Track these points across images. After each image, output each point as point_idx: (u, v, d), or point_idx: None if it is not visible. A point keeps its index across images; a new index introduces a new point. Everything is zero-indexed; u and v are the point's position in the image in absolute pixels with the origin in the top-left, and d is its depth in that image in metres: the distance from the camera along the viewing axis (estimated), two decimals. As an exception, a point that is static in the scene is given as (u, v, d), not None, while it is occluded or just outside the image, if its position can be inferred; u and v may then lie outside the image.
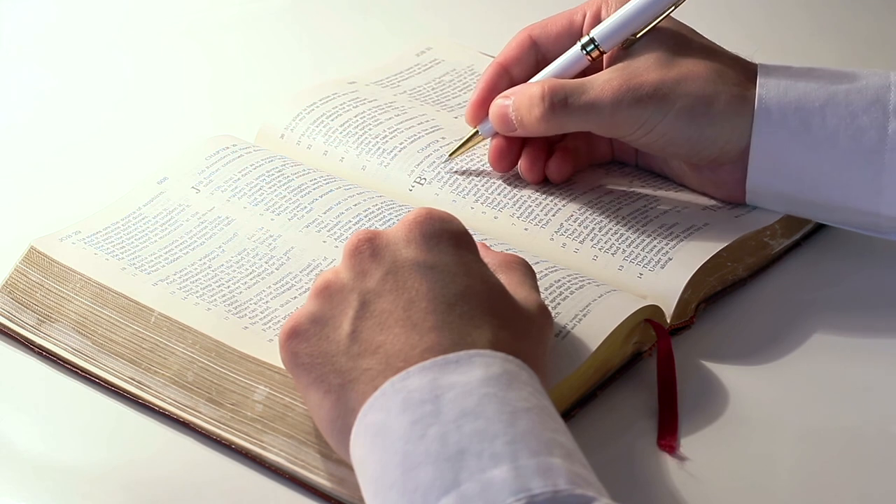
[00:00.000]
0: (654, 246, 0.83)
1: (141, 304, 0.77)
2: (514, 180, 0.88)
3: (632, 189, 0.88)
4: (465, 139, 0.89)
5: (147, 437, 0.74)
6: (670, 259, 0.82)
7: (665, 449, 0.74)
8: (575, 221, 0.85)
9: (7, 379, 0.78)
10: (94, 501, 0.71)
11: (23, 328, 0.79)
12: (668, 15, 0.85)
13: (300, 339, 0.68)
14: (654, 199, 0.87)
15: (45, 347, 0.78)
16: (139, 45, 1.11)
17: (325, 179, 0.87)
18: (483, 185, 0.88)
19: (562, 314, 0.76)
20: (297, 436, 0.71)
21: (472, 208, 0.87)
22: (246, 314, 0.77)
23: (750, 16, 0.89)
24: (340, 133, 0.93)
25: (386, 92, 0.97)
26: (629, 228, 0.84)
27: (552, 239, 0.85)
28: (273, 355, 0.72)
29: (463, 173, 0.88)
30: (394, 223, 0.80)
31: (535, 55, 0.88)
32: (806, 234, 0.88)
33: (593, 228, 0.85)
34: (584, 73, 0.86)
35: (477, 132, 0.88)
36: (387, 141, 0.91)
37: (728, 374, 0.79)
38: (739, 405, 0.77)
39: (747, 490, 0.72)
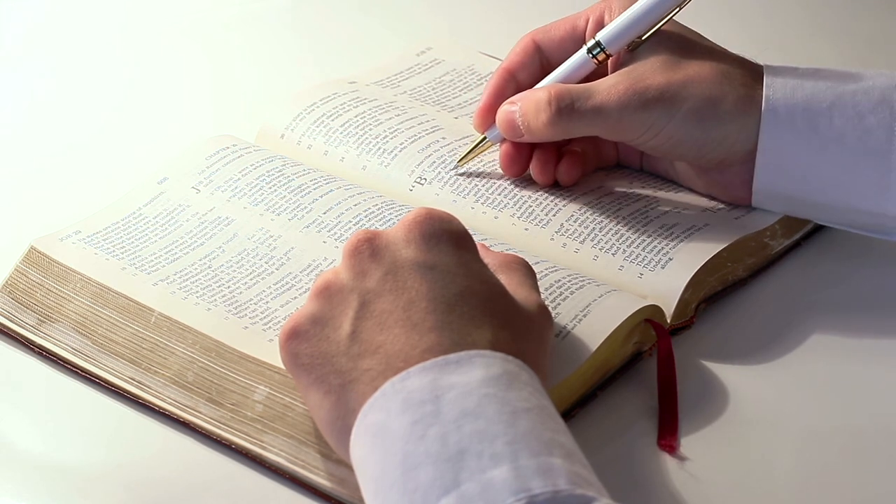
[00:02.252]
0: (655, 246, 0.83)
1: (141, 304, 0.77)
2: (515, 180, 0.88)
3: (632, 190, 0.88)
4: (473, 145, 0.89)
5: (147, 437, 0.74)
6: (671, 259, 0.82)
7: (665, 449, 0.74)
8: (575, 222, 0.85)
9: (7, 379, 0.78)
10: (94, 501, 0.71)
11: (23, 328, 0.79)
12: (672, 17, 0.85)
13: (300, 339, 0.68)
14: (655, 199, 0.87)
15: (45, 347, 0.78)
16: (140, 44, 1.11)
17: (325, 179, 0.87)
18: (483, 186, 0.88)
19: (562, 314, 0.76)
20: (297, 436, 0.71)
21: (473, 208, 0.87)
22: (246, 314, 0.77)
23: (750, 16, 0.89)
24: (341, 133, 0.93)
25: (386, 92, 0.97)
26: (629, 229, 0.84)
27: (552, 239, 0.85)
28: (273, 355, 0.72)
29: (471, 175, 0.88)
30: (394, 223, 0.80)
31: (539, 60, 0.89)
32: (806, 234, 0.88)
33: (594, 229, 0.85)
34: (589, 76, 0.87)
35: (485, 138, 0.89)
36: (387, 141, 0.91)
37: (728, 374, 0.79)
38: (739, 405, 0.77)
39: (747, 490, 0.72)
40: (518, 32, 0.91)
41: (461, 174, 0.88)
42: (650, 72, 0.84)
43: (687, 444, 0.74)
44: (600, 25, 0.87)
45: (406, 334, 0.66)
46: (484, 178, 0.88)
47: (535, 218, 0.86)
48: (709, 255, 0.82)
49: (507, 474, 0.59)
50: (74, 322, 0.78)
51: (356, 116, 0.93)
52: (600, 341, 0.75)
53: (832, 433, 0.76)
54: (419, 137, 0.92)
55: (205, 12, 1.15)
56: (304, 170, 0.87)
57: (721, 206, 0.87)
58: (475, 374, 0.63)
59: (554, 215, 0.86)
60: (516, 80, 0.89)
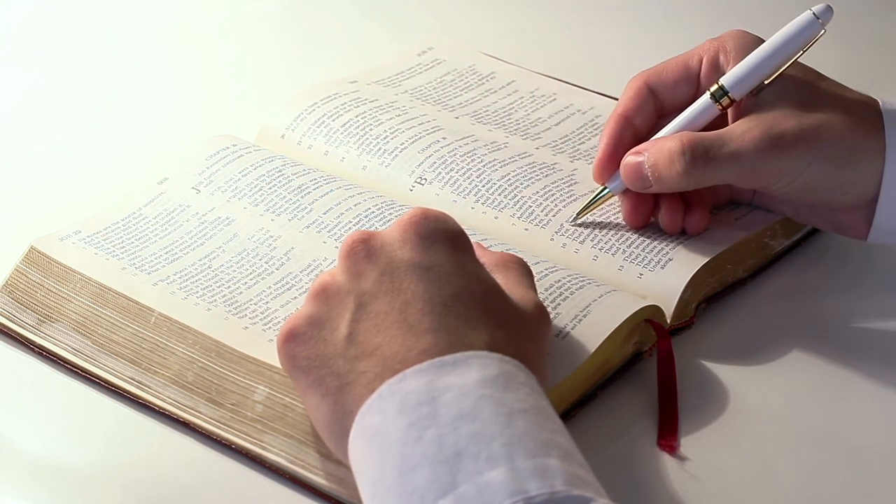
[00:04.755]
0: (655, 246, 0.83)
1: (141, 304, 0.77)
2: (515, 180, 0.88)
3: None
4: (593, 197, 0.85)
5: (147, 437, 0.74)
6: (670, 259, 0.82)
7: (665, 449, 0.74)
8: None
9: (7, 379, 0.78)
10: (93, 501, 0.71)
11: (23, 328, 0.79)
12: (796, 60, 0.83)
13: (298, 341, 0.68)
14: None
15: (45, 347, 0.78)
16: (141, 45, 1.11)
17: (325, 179, 0.87)
18: (483, 186, 0.88)
19: (562, 314, 0.76)
20: (297, 436, 0.71)
21: (473, 208, 0.87)
22: (246, 314, 0.77)
23: (750, 16, 0.89)
24: (341, 133, 0.93)
25: (387, 92, 0.97)
26: (629, 229, 0.84)
27: (552, 239, 0.85)
28: (273, 355, 0.72)
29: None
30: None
31: (653, 103, 0.86)
32: (806, 234, 0.88)
33: (594, 229, 0.85)
34: (711, 122, 0.84)
35: (605, 189, 0.85)
36: (388, 141, 0.91)
37: (728, 374, 0.79)
38: (739, 405, 0.77)
39: (747, 490, 0.72)
40: (518, 32, 0.91)
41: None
42: (781, 117, 0.81)
43: (687, 444, 0.74)
44: (715, 66, 0.85)
45: (402, 336, 0.66)
46: (484, 178, 0.88)
47: (535, 218, 0.86)
48: (709, 256, 0.82)
49: (504, 476, 0.59)
50: (74, 322, 0.78)
51: (357, 116, 0.93)
52: (600, 341, 0.75)
53: (832, 433, 0.76)
54: (420, 138, 0.91)
55: (204, 12, 1.16)
56: (305, 170, 0.87)
57: (721, 208, 0.87)
58: (472, 376, 0.63)
59: (554, 216, 0.86)
60: (633, 126, 0.86)
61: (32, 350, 0.79)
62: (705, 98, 0.84)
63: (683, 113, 0.84)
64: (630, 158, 0.83)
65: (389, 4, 1.17)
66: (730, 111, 0.84)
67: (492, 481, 0.59)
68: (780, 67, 0.82)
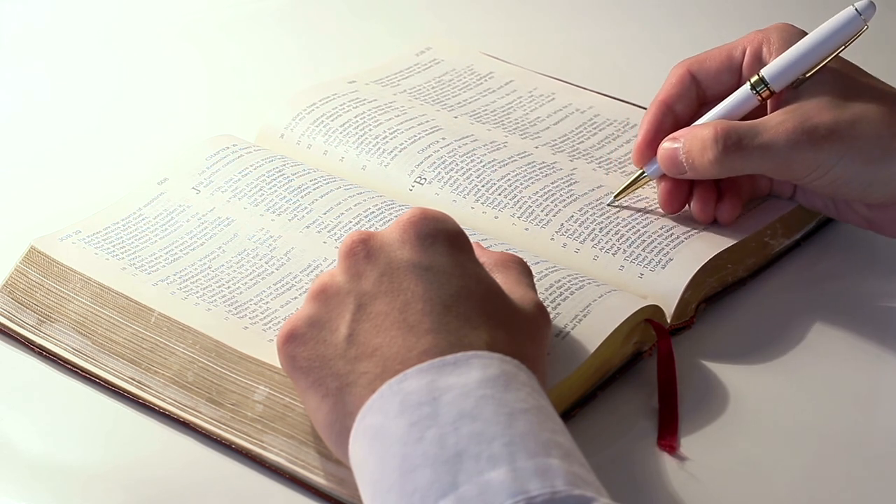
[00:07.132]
0: (655, 246, 0.83)
1: (141, 304, 0.78)
2: (514, 179, 0.88)
3: (633, 190, 0.88)
4: (630, 181, 0.86)
5: (147, 437, 0.74)
6: (671, 259, 0.82)
7: (665, 449, 0.74)
8: (576, 222, 0.85)
9: (7, 379, 0.78)
10: (93, 501, 0.71)
11: (23, 328, 0.79)
12: (838, 54, 0.83)
13: (297, 342, 0.68)
14: (656, 200, 0.87)
15: (45, 347, 0.78)
16: (140, 45, 1.11)
17: (325, 179, 0.87)
18: (483, 186, 0.88)
19: (562, 314, 0.76)
20: (297, 436, 0.71)
21: (473, 208, 0.87)
22: (246, 314, 0.77)
23: (749, 14, 0.89)
24: (340, 133, 0.93)
25: (386, 91, 0.97)
26: (630, 229, 0.84)
27: (553, 239, 0.85)
28: (273, 356, 0.72)
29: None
30: (394, 223, 0.80)
31: (695, 91, 0.87)
32: (806, 233, 0.88)
33: (594, 229, 0.85)
34: (751, 112, 0.85)
35: (643, 173, 0.86)
36: (387, 141, 0.91)
37: (728, 374, 0.79)
38: (739, 405, 0.77)
39: (747, 490, 0.72)
40: (518, 32, 0.91)
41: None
42: (817, 110, 0.81)
43: (687, 444, 0.74)
44: (758, 58, 0.85)
45: (403, 336, 0.66)
46: (484, 177, 0.88)
47: (535, 218, 0.86)
48: (709, 256, 0.82)
49: (505, 476, 0.59)
50: (74, 322, 0.78)
51: (356, 117, 0.93)
52: (600, 341, 0.75)
53: (832, 433, 0.76)
54: (419, 138, 0.91)
55: (204, 12, 1.16)
56: (305, 170, 0.87)
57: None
58: (472, 376, 0.63)
59: (554, 215, 0.86)
60: (674, 113, 0.86)
61: (32, 350, 0.79)
62: (745, 88, 0.84)
63: (723, 102, 0.85)
64: (666, 144, 0.84)
65: (389, 4, 1.17)
66: (769, 102, 0.84)
67: (493, 481, 0.59)
68: (821, 62, 0.83)
